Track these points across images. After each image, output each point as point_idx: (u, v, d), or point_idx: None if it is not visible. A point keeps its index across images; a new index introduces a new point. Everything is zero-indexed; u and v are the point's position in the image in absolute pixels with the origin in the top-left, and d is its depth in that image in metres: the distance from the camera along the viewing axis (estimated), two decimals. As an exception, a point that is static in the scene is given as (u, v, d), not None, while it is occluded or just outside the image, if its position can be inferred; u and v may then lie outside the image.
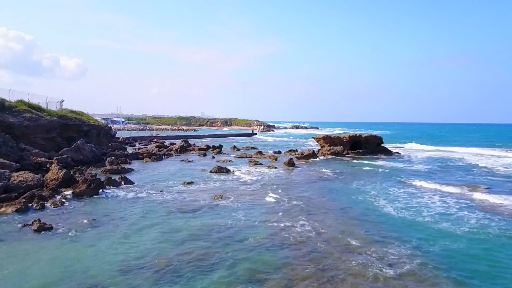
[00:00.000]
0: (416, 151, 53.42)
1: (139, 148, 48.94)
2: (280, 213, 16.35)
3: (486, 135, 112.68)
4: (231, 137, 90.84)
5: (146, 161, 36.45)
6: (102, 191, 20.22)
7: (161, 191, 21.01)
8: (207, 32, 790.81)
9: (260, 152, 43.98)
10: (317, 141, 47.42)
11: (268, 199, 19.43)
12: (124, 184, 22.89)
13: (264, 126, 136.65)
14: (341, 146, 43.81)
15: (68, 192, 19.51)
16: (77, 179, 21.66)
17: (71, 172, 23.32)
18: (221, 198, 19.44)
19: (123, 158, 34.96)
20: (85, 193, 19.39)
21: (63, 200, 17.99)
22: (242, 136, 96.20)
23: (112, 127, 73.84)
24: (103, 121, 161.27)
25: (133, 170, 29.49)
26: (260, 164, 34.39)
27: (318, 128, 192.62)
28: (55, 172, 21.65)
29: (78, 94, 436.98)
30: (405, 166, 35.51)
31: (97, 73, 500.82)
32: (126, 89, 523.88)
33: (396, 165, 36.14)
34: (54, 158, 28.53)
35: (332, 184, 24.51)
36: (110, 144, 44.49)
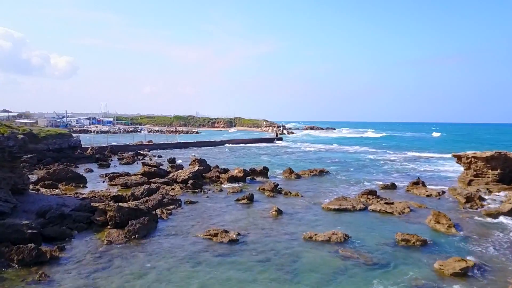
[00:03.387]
0: None
1: (111, 175, 25.13)
2: None
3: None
4: (249, 144, 67.18)
5: (110, 241, 12.69)
6: None
7: None
8: (199, 31, 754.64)
9: (374, 194, 20.21)
10: (468, 164, 23.84)
11: None
12: None
13: (280, 127, 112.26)
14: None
15: None
16: None
17: None
18: None
19: (33, 250, 11.01)
20: None
21: None
22: (263, 143, 71.77)
23: (73, 136, 49.65)
24: (88, 121, 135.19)
25: None
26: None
27: (334, 129, 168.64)
28: None
29: (69, 93, 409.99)
30: None
31: (89, 72, 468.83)
32: (118, 88, 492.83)
33: None
34: None
35: None
36: (40, 177, 20.44)
